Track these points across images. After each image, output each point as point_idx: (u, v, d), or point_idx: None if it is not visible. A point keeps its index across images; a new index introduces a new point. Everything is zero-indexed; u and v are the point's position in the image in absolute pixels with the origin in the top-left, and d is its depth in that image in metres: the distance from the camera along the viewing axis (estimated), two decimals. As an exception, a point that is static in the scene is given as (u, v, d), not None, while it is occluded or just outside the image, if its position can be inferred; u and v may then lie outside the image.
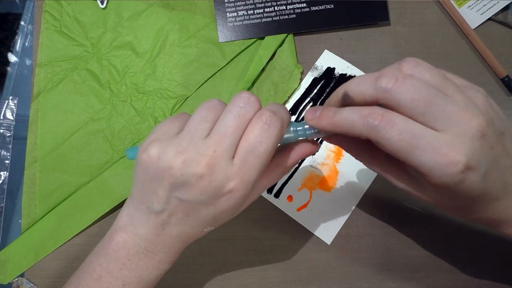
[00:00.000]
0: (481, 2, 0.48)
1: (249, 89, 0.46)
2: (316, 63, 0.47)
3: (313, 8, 0.47)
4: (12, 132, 0.46)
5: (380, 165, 0.31)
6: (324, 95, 0.47)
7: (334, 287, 0.46)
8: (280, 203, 0.46)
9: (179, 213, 0.29)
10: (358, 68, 0.47)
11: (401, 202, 0.47)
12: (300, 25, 0.47)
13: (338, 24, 0.47)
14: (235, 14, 0.46)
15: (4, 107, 0.46)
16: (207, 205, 0.29)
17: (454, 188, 0.26)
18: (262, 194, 0.46)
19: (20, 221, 0.44)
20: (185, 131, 0.28)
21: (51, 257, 0.44)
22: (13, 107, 0.46)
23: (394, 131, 0.26)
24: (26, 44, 0.47)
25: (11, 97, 0.46)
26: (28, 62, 0.47)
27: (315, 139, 0.32)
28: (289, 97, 0.47)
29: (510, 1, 0.47)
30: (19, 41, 0.47)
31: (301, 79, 0.47)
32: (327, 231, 0.46)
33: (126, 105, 0.46)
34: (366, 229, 0.46)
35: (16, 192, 0.45)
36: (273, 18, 0.46)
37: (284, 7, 0.46)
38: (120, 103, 0.46)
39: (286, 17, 0.46)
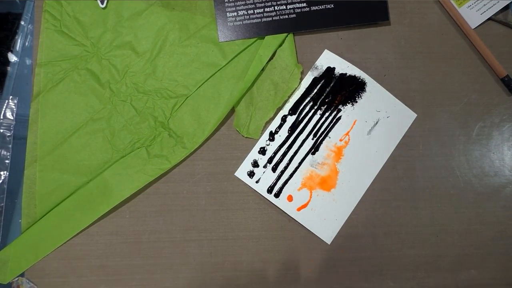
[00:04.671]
0: (481, 2, 0.48)
1: (249, 89, 0.46)
2: (316, 62, 0.47)
3: (313, 8, 0.47)
4: (12, 131, 0.46)
5: None
6: (324, 94, 0.47)
7: (334, 287, 0.46)
8: (280, 203, 0.46)
9: None
10: (358, 68, 0.47)
11: (401, 202, 0.47)
12: (300, 25, 0.47)
13: (338, 24, 0.47)
14: (235, 13, 0.46)
15: (4, 106, 0.46)
16: None
17: None
18: (262, 194, 0.46)
19: (20, 220, 0.44)
20: None
21: (51, 257, 0.45)
22: (13, 106, 0.46)
23: None
24: (26, 43, 0.47)
25: (11, 97, 0.46)
26: (28, 61, 0.47)
27: None
28: (289, 97, 0.47)
29: (510, 1, 0.47)
30: (19, 41, 0.47)
31: (301, 79, 0.47)
32: (327, 231, 0.46)
33: (126, 104, 0.46)
34: (366, 229, 0.46)
35: (16, 191, 0.45)
36: (273, 18, 0.46)
37: (284, 7, 0.46)
38: (120, 102, 0.46)
39: (286, 16, 0.46)
